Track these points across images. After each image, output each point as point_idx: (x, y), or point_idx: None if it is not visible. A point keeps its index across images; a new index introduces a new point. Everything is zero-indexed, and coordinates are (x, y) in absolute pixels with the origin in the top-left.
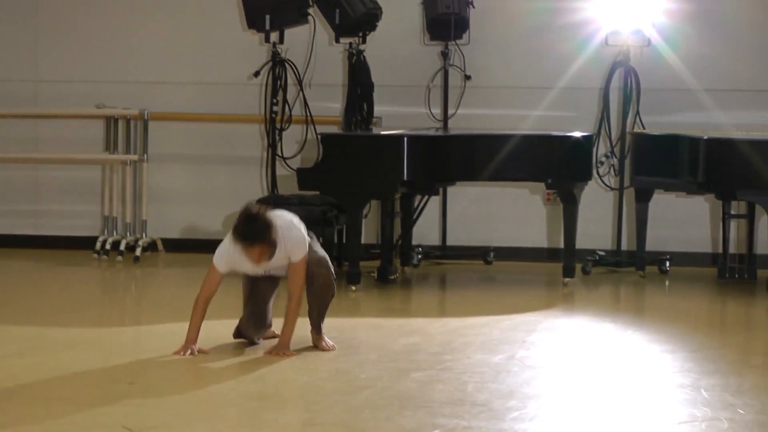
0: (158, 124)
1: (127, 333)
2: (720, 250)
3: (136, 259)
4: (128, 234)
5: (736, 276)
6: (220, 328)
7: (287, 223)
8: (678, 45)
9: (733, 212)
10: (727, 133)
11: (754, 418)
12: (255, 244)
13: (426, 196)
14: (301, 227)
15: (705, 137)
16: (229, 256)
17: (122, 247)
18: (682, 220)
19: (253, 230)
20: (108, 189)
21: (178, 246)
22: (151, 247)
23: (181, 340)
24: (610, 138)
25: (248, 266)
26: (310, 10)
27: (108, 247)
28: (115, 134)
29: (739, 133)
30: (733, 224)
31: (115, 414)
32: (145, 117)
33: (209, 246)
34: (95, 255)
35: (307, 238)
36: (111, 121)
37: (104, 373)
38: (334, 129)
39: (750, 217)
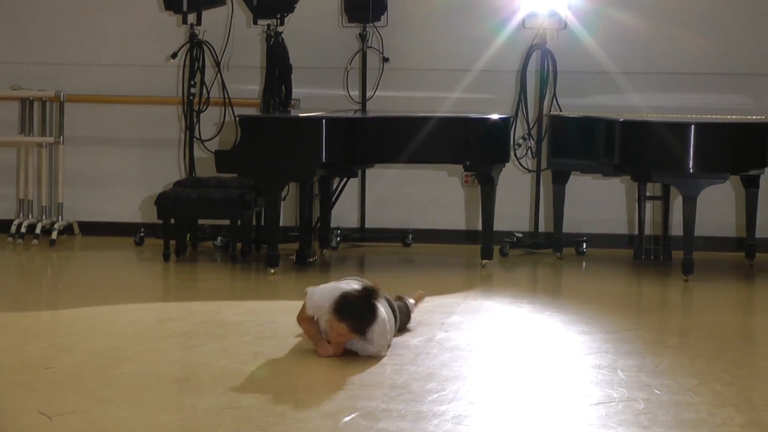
0: (74, 106)
1: (43, 317)
2: (636, 231)
3: (52, 242)
4: (44, 217)
5: (652, 257)
6: (139, 312)
7: (383, 321)
8: (594, 28)
9: (648, 194)
10: (643, 115)
11: (670, 398)
12: (352, 330)
13: (345, 179)
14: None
15: (621, 119)
16: (320, 306)
17: (38, 230)
18: (599, 201)
19: (359, 319)
20: (23, 172)
21: (95, 229)
22: (68, 230)
23: (97, 324)
24: (527, 120)
25: (320, 325)
26: None
27: (23, 230)
28: (30, 116)
29: (655, 116)
30: (648, 206)
31: (31, 399)
32: (61, 99)
33: (126, 229)
34: (10, 239)
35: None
36: (26, 103)
37: (20, 357)
38: (253, 111)
39: (665, 199)
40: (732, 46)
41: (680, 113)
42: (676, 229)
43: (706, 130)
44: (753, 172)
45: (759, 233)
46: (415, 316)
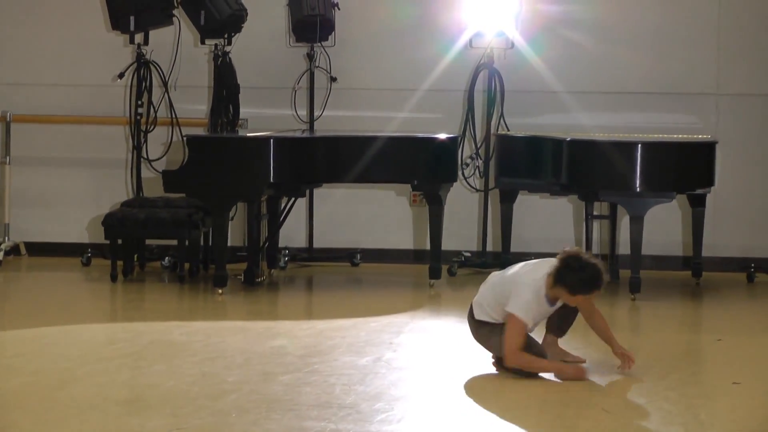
0: (21, 126)
1: None
2: (584, 250)
3: None
4: None
5: None
6: (86, 333)
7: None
8: (541, 47)
9: (595, 213)
10: (590, 134)
11: (618, 416)
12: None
13: (292, 198)
14: None
15: (568, 139)
16: (533, 307)
17: None
18: (546, 221)
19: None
20: None
21: (42, 250)
22: (14, 251)
23: (44, 345)
24: (474, 139)
25: (543, 311)
26: (175, 12)
27: None
28: None
29: (601, 135)
30: (595, 225)
31: None
32: (8, 119)
33: (73, 250)
34: None
35: None
36: None
37: None
38: (200, 131)
39: (612, 218)
40: (678, 66)
41: (627, 133)
42: (624, 248)
43: (652, 149)
44: (699, 191)
45: (705, 252)
46: (364, 335)
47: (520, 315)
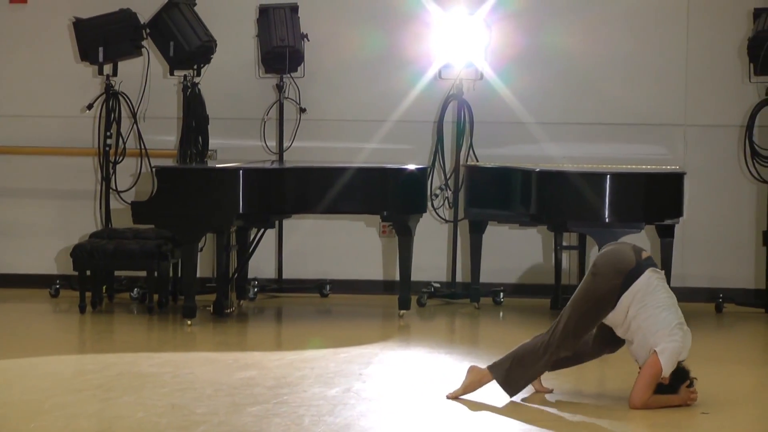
0: None
1: None
2: (553, 281)
3: None
4: None
5: None
6: (55, 364)
7: None
8: (510, 78)
9: (565, 243)
10: (559, 165)
11: None
12: None
13: (262, 229)
14: None
15: (537, 169)
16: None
17: None
18: (516, 251)
19: None
20: None
21: (10, 281)
22: None
23: (12, 377)
24: (444, 170)
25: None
26: (144, 43)
27: None
28: None
29: (570, 166)
30: (565, 255)
31: None
32: None
33: (42, 281)
34: None
35: None
36: None
37: None
38: (169, 162)
39: (581, 248)
40: (646, 97)
41: (596, 163)
42: None
43: (621, 180)
44: (668, 222)
45: (674, 282)
46: (333, 366)
47: (664, 362)
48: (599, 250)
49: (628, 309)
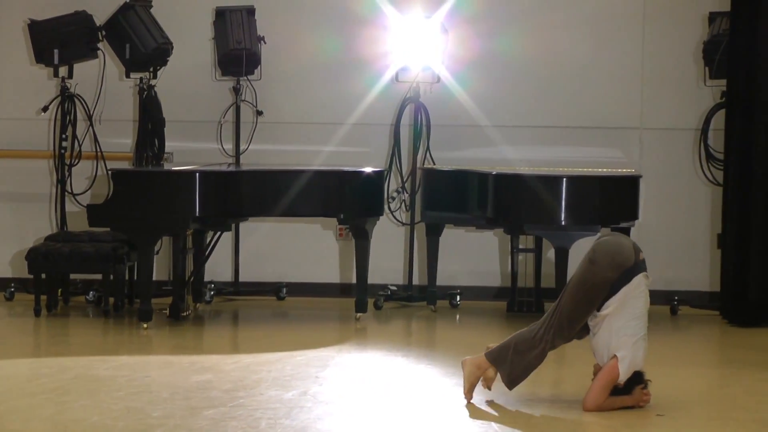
0: None
1: None
2: (509, 283)
3: None
4: None
5: (525, 309)
6: (9, 368)
7: None
8: (467, 82)
9: (521, 246)
10: (515, 168)
11: None
12: None
13: (218, 232)
14: None
15: (493, 173)
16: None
17: None
18: (472, 254)
19: None
20: None
21: None
22: None
23: None
24: (401, 173)
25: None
26: (100, 45)
27: None
28: None
29: (527, 169)
30: (521, 258)
31: None
32: None
33: None
34: None
35: None
36: None
37: None
38: (125, 165)
39: (538, 251)
40: (602, 101)
41: (552, 166)
42: (548, 281)
43: (577, 183)
44: (623, 225)
45: None
46: (290, 369)
47: (622, 370)
48: (598, 239)
49: (609, 306)
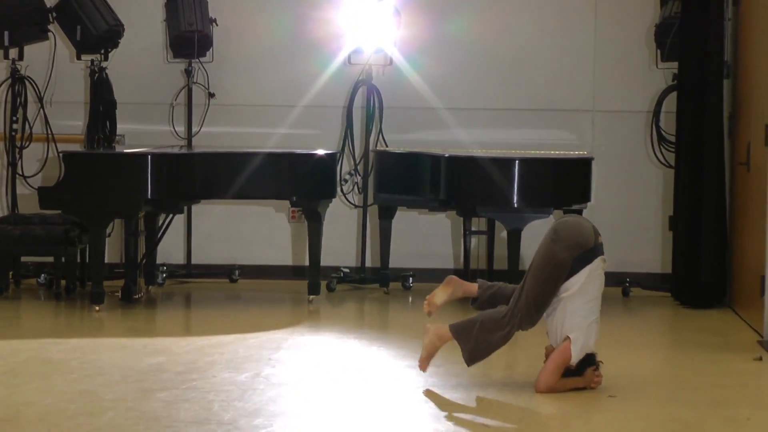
0: None
1: None
2: (461, 266)
3: None
4: None
5: None
6: None
7: None
8: (419, 64)
9: (473, 228)
10: (468, 150)
11: (496, 430)
12: None
13: (171, 215)
14: None
15: (446, 155)
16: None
17: None
18: (425, 236)
19: None
20: None
21: None
22: None
23: None
24: (353, 156)
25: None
26: (51, 27)
27: None
28: None
29: (480, 151)
30: (473, 240)
31: None
32: None
33: None
34: None
35: None
36: None
37: None
38: (77, 147)
39: (490, 234)
40: (554, 83)
41: (505, 149)
42: (501, 263)
43: (529, 165)
44: (576, 207)
45: None
46: (243, 352)
47: (575, 352)
48: (559, 220)
49: (570, 288)
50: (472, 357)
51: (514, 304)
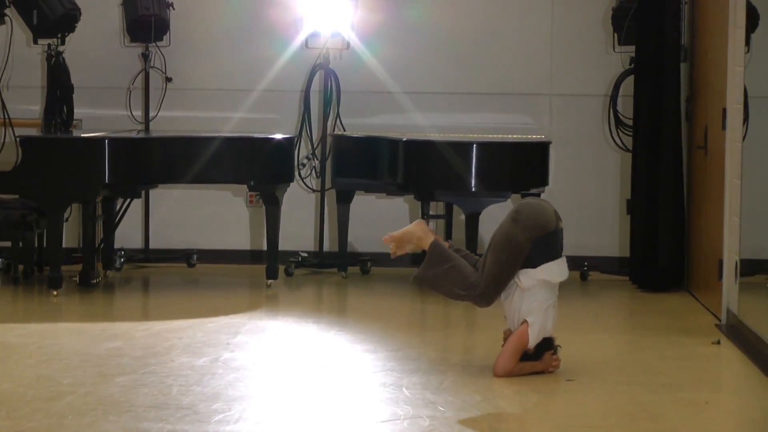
0: None
1: None
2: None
3: None
4: None
5: None
6: None
7: None
8: (377, 48)
9: (431, 213)
10: (426, 134)
11: (454, 414)
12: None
13: (128, 199)
14: None
15: (404, 139)
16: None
17: None
18: (383, 221)
19: None
20: None
21: None
22: None
23: None
24: (311, 140)
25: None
26: (7, 11)
27: None
28: None
29: (437, 135)
30: (432, 224)
31: None
32: None
33: None
34: None
35: None
36: None
37: None
38: (34, 131)
39: (448, 218)
40: (511, 67)
41: (462, 133)
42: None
43: (487, 149)
44: (534, 191)
45: None
46: (201, 336)
47: (532, 336)
48: (522, 201)
49: (529, 280)
50: (422, 279)
51: (479, 276)
